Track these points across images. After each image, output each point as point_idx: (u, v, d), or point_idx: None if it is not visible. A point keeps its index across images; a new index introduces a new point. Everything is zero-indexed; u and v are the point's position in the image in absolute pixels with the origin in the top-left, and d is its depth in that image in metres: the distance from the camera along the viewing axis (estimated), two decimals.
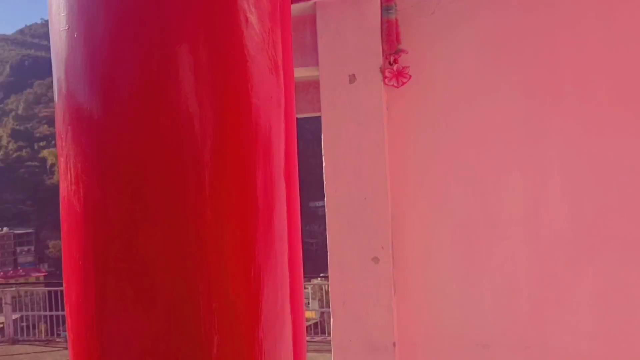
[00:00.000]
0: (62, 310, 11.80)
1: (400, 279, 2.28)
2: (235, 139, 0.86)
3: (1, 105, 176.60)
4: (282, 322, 0.92)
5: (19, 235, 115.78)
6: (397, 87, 2.23)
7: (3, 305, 11.74)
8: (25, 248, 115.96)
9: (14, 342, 11.45)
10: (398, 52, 2.23)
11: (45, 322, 12.61)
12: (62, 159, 0.86)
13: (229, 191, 0.85)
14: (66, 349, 9.82)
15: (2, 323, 12.32)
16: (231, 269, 0.85)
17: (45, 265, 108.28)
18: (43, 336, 12.09)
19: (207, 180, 0.82)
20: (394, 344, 2.23)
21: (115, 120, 0.82)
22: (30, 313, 12.64)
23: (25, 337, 11.93)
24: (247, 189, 0.86)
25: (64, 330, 12.66)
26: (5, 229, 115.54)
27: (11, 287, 12.54)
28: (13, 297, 11.98)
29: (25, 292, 13.23)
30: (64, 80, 0.87)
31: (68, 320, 0.88)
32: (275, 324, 0.89)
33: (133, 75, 0.82)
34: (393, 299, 2.24)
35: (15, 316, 12.06)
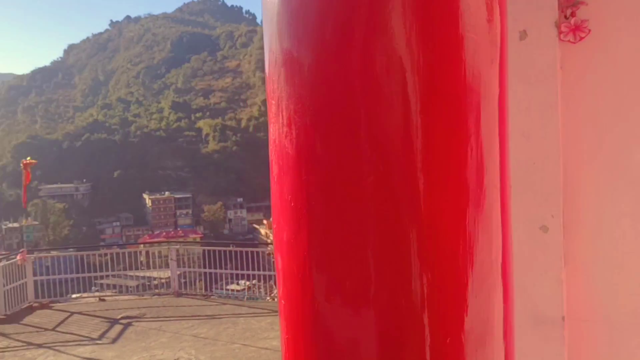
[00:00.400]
0: (216, 268, 12.78)
1: (571, 249, 2.13)
2: (447, 78, 0.82)
3: (163, 79, 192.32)
4: (494, 276, 0.88)
5: (179, 199, 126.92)
6: (574, 43, 2.05)
7: (169, 261, 12.96)
8: (184, 211, 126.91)
9: (179, 295, 12.63)
10: (576, 4, 2.05)
11: (202, 280, 13.71)
12: (272, 102, 0.88)
13: (439, 134, 0.82)
14: (224, 304, 10.67)
15: (168, 277, 13.64)
16: (444, 217, 0.83)
17: (201, 228, 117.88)
18: (200, 292, 13.16)
19: (419, 124, 0.80)
20: (563, 319, 2.11)
21: (325, 61, 0.82)
22: (189, 269, 13.81)
23: (186, 291, 13.10)
24: (458, 134, 0.83)
25: (218, 288, 13.70)
26: (167, 193, 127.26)
27: (176, 245, 13.74)
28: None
29: (185, 250, 14.43)
30: (275, 22, 0.88)
31: (277, 260, 0.91)
32: (487, 279, 0.86)
33: (341, 15, 0.81)
34: (563, 270, 2.11)
35: (177, 272, 13.27)
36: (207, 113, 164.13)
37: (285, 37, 0.84)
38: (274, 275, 14.14)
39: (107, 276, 15.86)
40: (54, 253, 16.75)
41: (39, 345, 9.24)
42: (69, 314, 11.29)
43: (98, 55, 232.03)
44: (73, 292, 14.41)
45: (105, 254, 15.90)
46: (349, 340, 0.82)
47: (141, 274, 14.94)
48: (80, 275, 13.65)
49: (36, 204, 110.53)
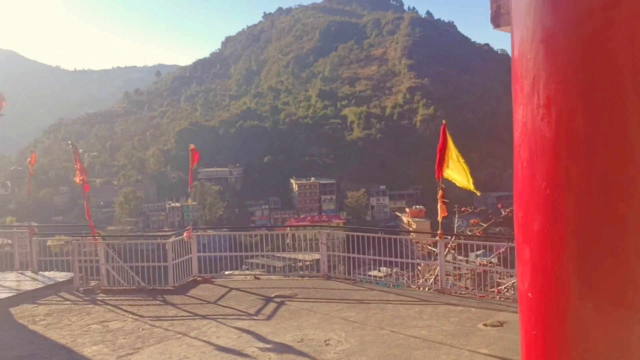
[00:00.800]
0: (359, 253, 12.88)
1: None
2: None
3: (311, 68, 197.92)
4: None
5: (323, 185, 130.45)
6: None
7: (320, 244, 13.34)
8: (328, 197, 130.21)
9: (327, 277, 12.97)
10: None
11: (344, 264, 13.92)
12: (525, 82, 0.83)
13: None
14: (371, 289, 10.77)
15: (312, 260, 14.04)
16: None
17: (344, 214, 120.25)
18: (342, 276, 13.39)
19: None
20: None
21: (594, 37, 0.75)
22: (333, 253, 14.09)
23: (334, 275, 13.40)
24: None
25: (358, 274, 13.82)
26: (312, 178, 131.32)
27: (326, 230, 14.08)
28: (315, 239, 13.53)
29: (328, 234, 14.73)
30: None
31: (524, 250, 0.86)
32: None
33: None
34: None
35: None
36: (352, 101, 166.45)
37: (546, 12, 0.78)
38: (417, 264, 13.97)
39: (257, 256, 16.70)
40: (210, 232, 17.99)
41: (203, 317, 10.00)
42: (228, 289, 12.09)
43: (252, 46, 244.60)
44: (226, 269, 15.41)
45: (255, 235, 16.76)
46: (615, 343, 0.75)
47: (287, 255, 15.53)
48: (233, 253, 14.50)
49: (195, 185, 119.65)
